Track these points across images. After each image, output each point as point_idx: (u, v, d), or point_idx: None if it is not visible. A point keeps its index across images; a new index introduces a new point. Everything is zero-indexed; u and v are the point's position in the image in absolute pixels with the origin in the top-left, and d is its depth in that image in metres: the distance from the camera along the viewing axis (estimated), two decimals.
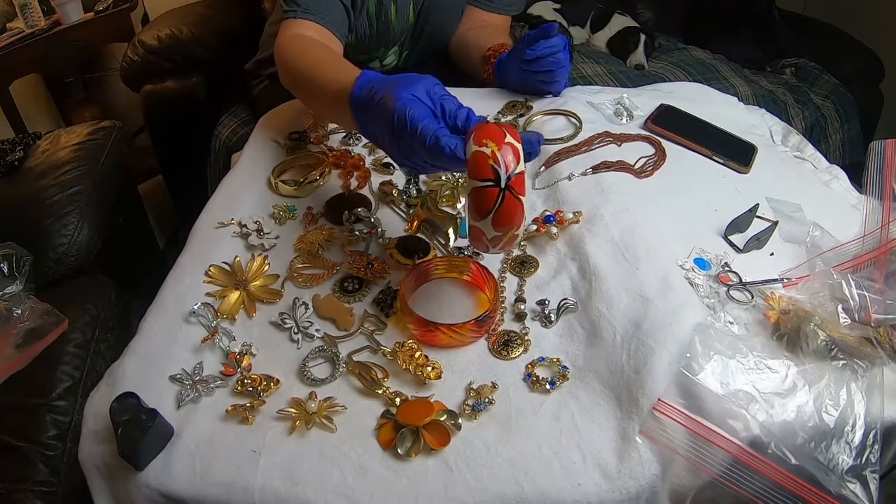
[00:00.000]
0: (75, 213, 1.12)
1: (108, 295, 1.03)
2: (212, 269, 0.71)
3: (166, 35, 1.56)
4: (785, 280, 0.67)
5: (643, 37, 1.79)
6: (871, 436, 0.57)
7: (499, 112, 0.94)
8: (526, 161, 0.55)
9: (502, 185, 0.52)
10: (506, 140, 0.53)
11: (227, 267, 0.71)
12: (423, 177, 0.83)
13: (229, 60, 1.53)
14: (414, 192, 0.81)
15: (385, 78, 0.62)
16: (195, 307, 0.66)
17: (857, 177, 0.80)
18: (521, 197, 0.54)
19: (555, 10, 1.91)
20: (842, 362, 0.60)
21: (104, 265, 1.16)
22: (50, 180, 1.18)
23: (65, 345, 0.86)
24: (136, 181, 1.68)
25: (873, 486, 0.55)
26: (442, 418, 0.54)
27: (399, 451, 0.52)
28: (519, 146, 0.53)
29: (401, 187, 0.82)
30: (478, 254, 0.72)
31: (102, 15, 1.93)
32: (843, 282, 0.64)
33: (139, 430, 0.54)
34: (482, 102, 0.96)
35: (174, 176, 1.79)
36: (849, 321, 0.62)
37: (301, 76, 0.82)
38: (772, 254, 0.72)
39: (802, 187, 0.80)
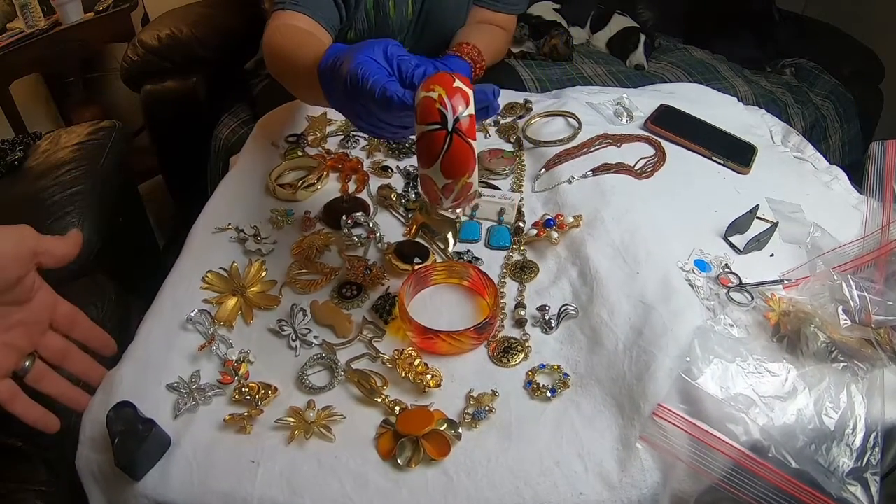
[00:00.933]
0: (75, 214, 1.13)
1: (109, 296, 1.03)
2: (209, 274, 0.70)
3: (166, 35, 1.57)
4: (785, 281, 0.67)
5: (643, 37, 1.79)
6: (871, 438, 0.57)
7: (497, 113, 0.93)
8: (485, 117, 0.56)
9: (449, 128, 0.51)
10: (454, 84, 0.52)
11: (224, 273, 0.71)
12: (418, 186, 0.83)
13: (229, 60, 1.54)
14: (413, 196, 0.80)
15: (349, 47, 0.62)
16: (192, 314, 0.65)
17: (856, 176, 0.79)
18: (470, 140, 0.52)
19: (555, 10, 1.91)
20: (842, 364, 0.60)
21: (104, 265, 1.16)
22: (50, 180, 1.19)
23: None
24: (136, 181, 1.68)
25: (874, 489, 0.55)
26: (442, 428, 0.53)
27: (399, 461, 0.52)
28: (468, 91, 0.52)
29: (399, 191, 0.81)
30: (478, 259, 0.71)
31: (102, 15, 1.94)
32: (843, 283, 0.63)
33: (136, 440, 0.53)
34: None
35: (174, 176, 1.80)
36: (849, 323, 0.62)
37: (284, 61, 0.81)
38: (772, 255, 0.71)
39: (803, 188, 0.80)
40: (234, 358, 0.62)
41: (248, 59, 1.41)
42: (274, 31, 0.87)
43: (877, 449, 0.57)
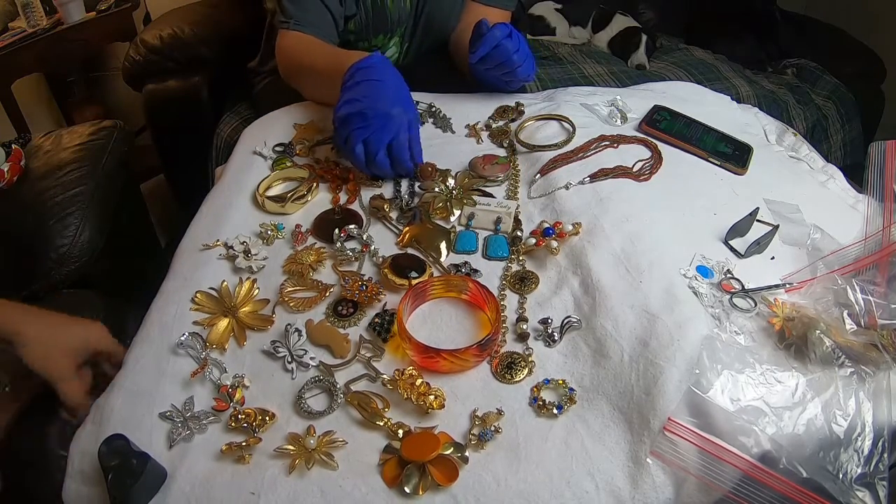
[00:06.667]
0: (77, 214, 1.13)
1: (97, 313, 1.01)
2: (198, 295, 0.68)
3: (168, 34, 1.56)
4: (787, 285, 0.66)
5: (644, 37, 1.78)
6: (879, 444, 0.57)
7: (489, 117, 0.92)
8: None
9: None
10: None
11: (214, 293, 0.68)
12: (415, 187, 0.81)
13: (231, 59, 1.53)
14: (405, 206, 0.78)
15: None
16: (182, 338, 0.63)
17: (858, 177, 0.79)
18: None
19: (556, 10, 1.89)
20: (849, 370, 0.59)
21: (105, 265, 1.16)
22: (52, 181, 1.19)
23: None
24: (137, 180, 1.69)
25: (882, 493, 0.54)
26: (448, 452, 0.52)
27: (406, 489, 0.50)
28: None
29: (392, 201, 0.79)
30: (476, 271, 0.69)
31: (104, 14, 1.93)
32: (847, 287, 0.63)
33: (130, 476, 0.51)
34: (473, 107, 0.93)
35: (176, 175, 1.79)
36: (854, 327, 0.61)
37: (302, 63, 0.95)
38: (773, 258, 0.71)
39: (800, 188, 0.79)
40: (229, 383, 0.60)
41: (250, 58, 1.40)
42: (286, 43, 0.99)
43: (885, 455, 0.56)
